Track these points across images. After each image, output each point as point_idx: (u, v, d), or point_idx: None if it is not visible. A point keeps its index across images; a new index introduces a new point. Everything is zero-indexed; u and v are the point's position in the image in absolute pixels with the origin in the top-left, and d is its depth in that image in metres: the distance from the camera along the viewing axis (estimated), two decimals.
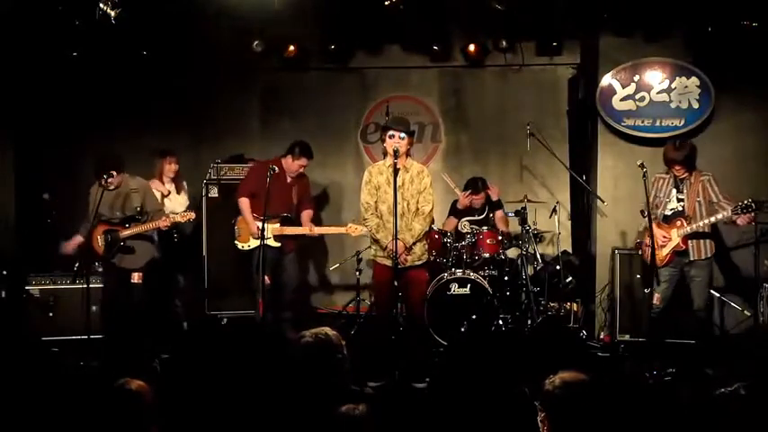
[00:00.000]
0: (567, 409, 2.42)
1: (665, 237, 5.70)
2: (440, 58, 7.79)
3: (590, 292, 7.10)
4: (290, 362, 3.15)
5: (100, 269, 6.44)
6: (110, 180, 5.95)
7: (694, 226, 5.58)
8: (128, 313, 6.06)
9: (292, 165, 6.67)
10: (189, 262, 7.34)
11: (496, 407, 4.07)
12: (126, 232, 6.05)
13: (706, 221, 5.57)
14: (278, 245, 6.62)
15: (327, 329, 3.21)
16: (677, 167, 5.68)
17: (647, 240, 5.72)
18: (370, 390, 3.74)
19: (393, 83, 8.13)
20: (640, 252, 6.10)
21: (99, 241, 6.12)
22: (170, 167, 7.09)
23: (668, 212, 5.78)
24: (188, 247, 7.28)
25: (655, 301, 5.72)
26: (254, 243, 6.61)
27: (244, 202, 6.68)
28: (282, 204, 6.61)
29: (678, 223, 5.67)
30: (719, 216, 5.52)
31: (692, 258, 5.67)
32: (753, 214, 5.43)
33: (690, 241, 5.65)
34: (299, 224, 6.72)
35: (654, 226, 5.69)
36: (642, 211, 5.76)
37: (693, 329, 5.84)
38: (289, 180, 6.72)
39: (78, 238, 6.17)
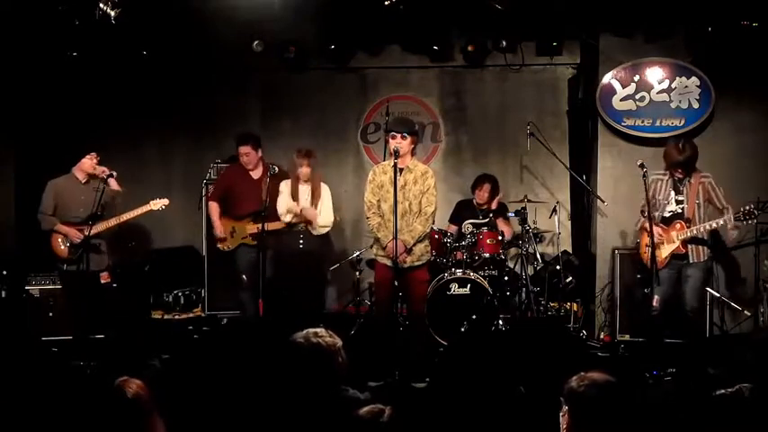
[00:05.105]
0: (590, 406, 2.52)
1: (660, 235, 5.65)
2: (440, 58, 7.78)
3: (590, 292, 7.10)
4: (285, 366, 3.12)
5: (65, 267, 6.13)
6: (110, 179, 5.98)
7: (694, 230, 5.57)
8: (102, 314, 6.04)
9: (243, 158, 6.59)
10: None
11: (496, 407, 4.06)
12: (95, 230, 5.85)
13: (706, 226, 5.55)
14: (255, 243, 6.43)
15: (322, 332, 3.14)
16: (679, 169, 5.62)
17: (647, 240, 5.71)
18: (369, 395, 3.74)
19: (393, 83, 8.12)
20: (640, 252, 6.07)
21: (61, 244, 6.06)
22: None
23: (667, 214, 5.74)
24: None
25: (654, 303, 5.70)
26: (233, 244, 6.59)
27: (212, 206, 6.68)
28: (252, 202, 6.43)
29: (678, 226, 5.65)
30: (720, 222, 5.52)
31: (691, 261, 5.67)
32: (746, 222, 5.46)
33: (689, 245, 5.64)
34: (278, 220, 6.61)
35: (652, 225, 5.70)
36: (642, 211, 5.75)
37: (689, 329, 5.82)
38: (256, 177, 6.64)
39: (63, 228, 6.07)
